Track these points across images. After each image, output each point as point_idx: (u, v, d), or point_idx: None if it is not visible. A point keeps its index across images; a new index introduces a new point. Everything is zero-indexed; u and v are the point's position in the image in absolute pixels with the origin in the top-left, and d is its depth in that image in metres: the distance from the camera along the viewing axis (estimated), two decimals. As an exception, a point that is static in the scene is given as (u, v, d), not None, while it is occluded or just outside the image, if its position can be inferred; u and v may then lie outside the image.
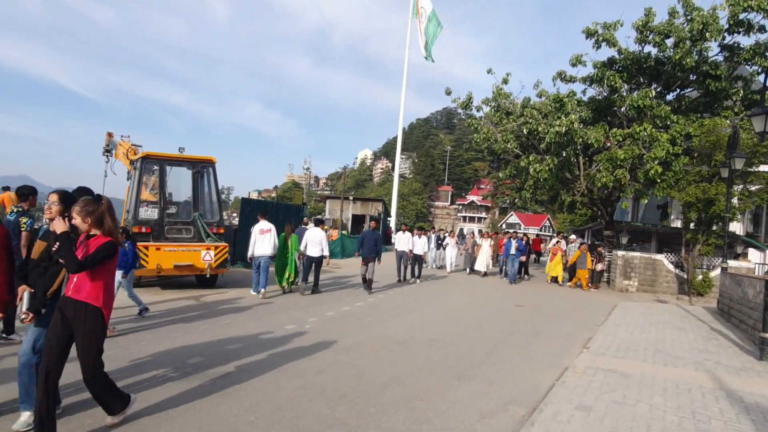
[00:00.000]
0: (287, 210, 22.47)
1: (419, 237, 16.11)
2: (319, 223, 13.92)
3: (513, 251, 17.22)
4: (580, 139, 15.90)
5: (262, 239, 11.36)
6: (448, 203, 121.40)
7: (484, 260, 18.78)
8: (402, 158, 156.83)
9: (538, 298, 14.04)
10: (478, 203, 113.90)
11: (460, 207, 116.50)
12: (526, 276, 19.08)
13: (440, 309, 10.79)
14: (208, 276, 11.81)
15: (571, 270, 18.17)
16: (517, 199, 21.80)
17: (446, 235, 21.53)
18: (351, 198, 46.85)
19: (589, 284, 17.17)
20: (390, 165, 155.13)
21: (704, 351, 8.02)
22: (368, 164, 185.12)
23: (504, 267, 18.96)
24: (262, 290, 11.10)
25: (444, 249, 20.94)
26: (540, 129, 16.91)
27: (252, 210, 19.19)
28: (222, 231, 12.38)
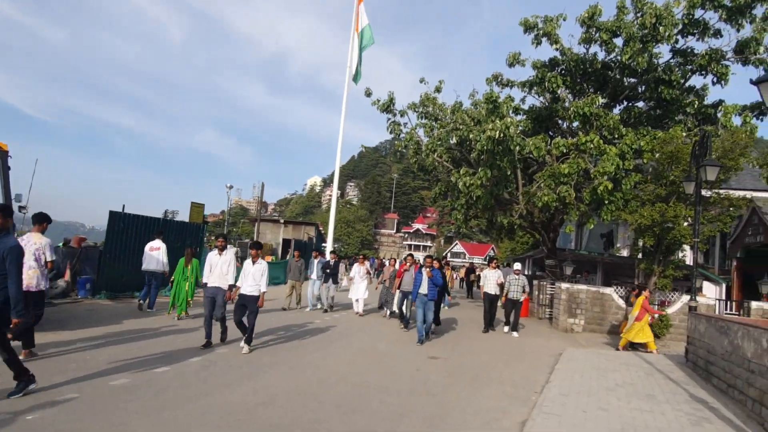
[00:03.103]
0: (182, 229, 18.42)
1: (252, 263, 8.21)
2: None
3: (424, 290, 10.24)
4: (517, 148, 13.15)
5: (150, 255, 12.27)
6: (394, 231, 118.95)
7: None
8: (350, 186, 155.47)
9: (460, 343, 10.85)
10: (424, 231, 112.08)
11: (406, 235, 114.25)
12: (434, 326, 11.65)
13: (298, 377, 7.24)
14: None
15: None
16: (453, 227, 18.91)
17: (354, 261, 16.18)
18: (281, 221, 43.02)
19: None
20: (339, 192, 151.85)
21: (699, 449, 4.99)
22: (317, 191, 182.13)
23: (403, 310, 12.31)
24: (147, 308, 11.80)
25: (332, 281, 14.45)
26: (472, 136, 14.12)
27: (124, 227, 15.29)
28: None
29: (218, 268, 8.43)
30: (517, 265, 13.86)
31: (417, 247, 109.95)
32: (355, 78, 28.74)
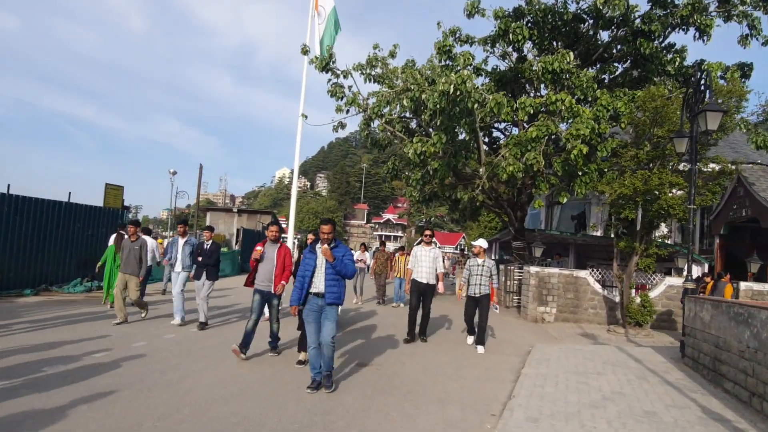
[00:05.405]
0: (95, 215, 15.69)
1: None
2: (148, 232, 13.36)
3: (319, 286, 5.47)
4: (476, 105, 11.01)
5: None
6: (364, 222, 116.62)
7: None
8: (320, 177, 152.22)
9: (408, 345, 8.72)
10: (394, 221, 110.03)
11: (376, 225, 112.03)
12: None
13: (128, 411, 4.86)
14: None
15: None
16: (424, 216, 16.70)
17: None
18: (235, 210, 40.28)
19: None
20: (308, 184, 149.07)
21: None
22: (286, 183, 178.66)
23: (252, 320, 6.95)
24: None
25: (206, 276, 8.57)
26: (424, 96, 11.94)
27: (9, 211, 12.56)
28: None
29: None
30: (481, 242, 8.88)
31: (388, 238, 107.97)
32: (318, 59, 25.73)
